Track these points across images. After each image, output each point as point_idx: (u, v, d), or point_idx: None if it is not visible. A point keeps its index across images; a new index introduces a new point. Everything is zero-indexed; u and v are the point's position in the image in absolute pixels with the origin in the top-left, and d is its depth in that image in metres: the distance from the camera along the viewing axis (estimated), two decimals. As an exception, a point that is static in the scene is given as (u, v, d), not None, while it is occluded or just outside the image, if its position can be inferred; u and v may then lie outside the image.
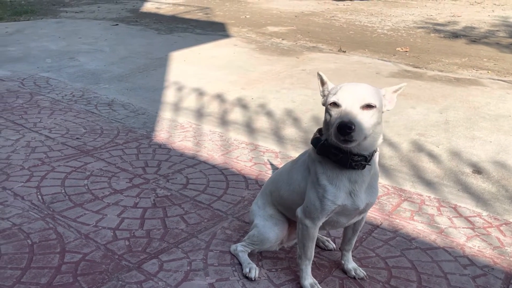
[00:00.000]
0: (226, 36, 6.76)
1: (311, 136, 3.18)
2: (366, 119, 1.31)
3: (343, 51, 5.87)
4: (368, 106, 1.32)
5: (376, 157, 1.48)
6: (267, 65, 5.11)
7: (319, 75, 1.48)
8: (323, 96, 1.48)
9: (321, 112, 3.68)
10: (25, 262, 1.62)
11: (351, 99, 1.32)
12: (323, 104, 1.46)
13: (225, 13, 8.92)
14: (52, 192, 2.16)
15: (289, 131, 3.31)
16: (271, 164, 2.72)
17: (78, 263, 1.65)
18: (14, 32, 6.53)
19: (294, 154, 2.90)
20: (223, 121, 3.46)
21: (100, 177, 2.37)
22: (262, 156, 2.83)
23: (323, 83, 1.49)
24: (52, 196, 2.12)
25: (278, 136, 3.22)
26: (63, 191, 2.18)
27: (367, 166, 1.42)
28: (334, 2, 10.88)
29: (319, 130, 1.53)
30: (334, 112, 1.35)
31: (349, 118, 1.28)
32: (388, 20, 8.55)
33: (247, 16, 8.58)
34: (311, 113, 3.66)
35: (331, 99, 1.36)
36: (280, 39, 6.63)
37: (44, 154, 2.59)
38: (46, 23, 7.40)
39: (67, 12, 8.55)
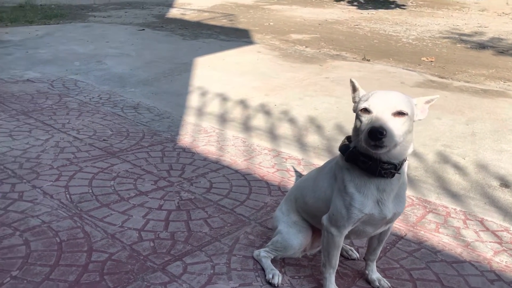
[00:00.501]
0: (250, 42, 6.80)
1: (334, 144, 3.20)
2: (397, 126, 1.30)
3: (367, 60, 5.84)
4: (400, 113, 1.32)
5: (405, 166, 1.47)
6: (290, 72, 5.12)
7: (351, 81, 1.49)
8: (354, 102, 1.48)
9: (344, 120, 3.68)
10: (53, 260, 1.66)
11: (382, 106, 1.32)
12: (354, 111, 1.45)
13: (249, 20, 9.00)
14: (80, 191, 2.21)
15: (312, 139, 3.30)
16: (294, 171, 2.72)
17: (104, 262, 1.68)
18: (44, 35, 6.72)
19: (317, 161, 2.89)
20: (246, 127, 3.48)
21: (126, 179, 2.41)
22: (285, 163, 2.83)
23: (354, 89, 1.49)
24: (80, 196, 2.17)
25: (300, 143, 3.22)
26: (90, 191, 2.23)
27: (396, 174, 1.41)
28: (358, 10, 10.84)
29: (348, 137, 1.52)
30: (365, 118, 1.35)
31: (381, 124, 1.28)
32: (413, 29, 8.47)
33: (271, 23, 8.63)
34: (334, 121, 3.65)
35: (362, 105, 1.36)
36: (304, 46, 6.64)
37: (72, 155, 2.65)
38: (75, 27, 7.59)
39: (95, 17, 8.75)
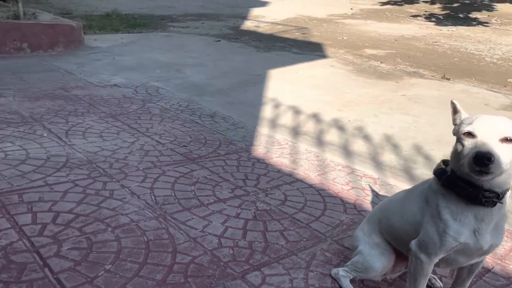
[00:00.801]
0: (323, 56, 6.79)
1: (411, 165, 3.09)
2: (505, 153, 1.24)
3: (447, 79, 5.59)
4: (508, 140, 1.25)
5: (508, 196, 1.38)
6: (364, 88, 5.04)
7: (452, 103, 1.44)
8: (455, 125, 1.42)
9: (422, 141, 3.55)
10: (142, 257, 1.76)
11: (489, 131, 1.26)
12: (454, 134, 1.40)
13: (322, 33, 8.99)
14: (164, 194, 2.33)
15: (388, 158, 3.21)
16: (370, 190, 2.66)
17: (188, 265, 1.75)
18: (129, 43, 7.18)
19: (394, 181, 2.81)
20: (319, 141, 3.47)
21: (205, 185, 2.50)
22: (360, 181, 2.78)
23: (455, 111, 1.43)
24: (164, 198, 2.28)
25: (376, 162, 3.14)
26: (173, 194, 2.34)
27: (497, 204, 1.34)
28: (437, 27, 10.42)
29: (444, 161, 1.47)
30: (468, 142, 1.29)
31: (488, 149, 1.22)
32: (498, 48, 7.98)
33: (344, 38, 8.56)
34: (412, 141, 3.52)
35: (466, 128, 1.30)
36: (379, 62, 6.51)
37: (156, 158, 2.80)
38: (156, 36, 8.03)
39: (174, 27, 9.21)
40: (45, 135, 2.93)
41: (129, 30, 8.46)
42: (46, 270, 1.60)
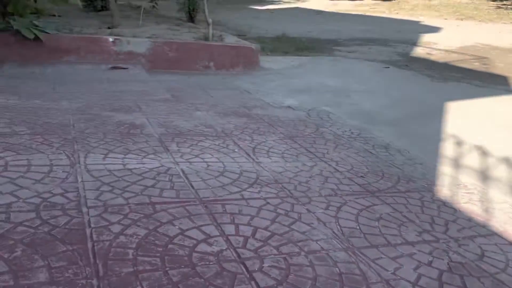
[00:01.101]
0: (510, 91, 6.04)
1: None
2: None
3: None
4: None
5: None
6: None
7: None
8: None
9: None
10: (337, 290, 1.75)
11: None
12: None
13: (508, 65, 8.02)
14: (349, 225, 2.29)
15: None
16: None
17: (384, 309, 1.67)
18: (298, 66, 7.48)
19: None
20: (515, 191, 3.05)
21: (389, 222, 2.39)
22: None
23: None
24: (349, 230, 2.25)
25: None
26: (357, 227, 2.29)
27: None
28: None
29: None
30: None
31: None
32: None
33: (537, 71, 7.49)
34: None
35: None
36: None
37: (335, 186, 2.79)
38: (323, 60, 8.21)
39: (340, 51, 9.30)
40: (236, 150, 3.19)
41: (297, 53, 8.82)
42: (253, 283, 1.69)
